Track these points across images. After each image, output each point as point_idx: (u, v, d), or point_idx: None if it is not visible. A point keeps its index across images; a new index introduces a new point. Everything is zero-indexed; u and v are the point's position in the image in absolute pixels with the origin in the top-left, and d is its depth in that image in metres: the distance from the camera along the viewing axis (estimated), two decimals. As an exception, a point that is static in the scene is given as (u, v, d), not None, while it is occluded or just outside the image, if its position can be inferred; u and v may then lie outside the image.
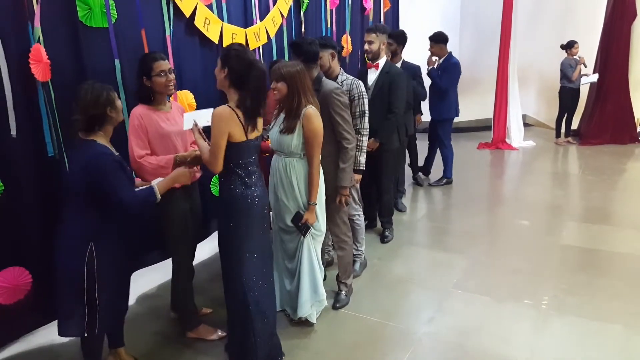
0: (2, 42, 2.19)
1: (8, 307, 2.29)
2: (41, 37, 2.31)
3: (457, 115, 5.62)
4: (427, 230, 4.57)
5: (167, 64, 2.57)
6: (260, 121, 2.42)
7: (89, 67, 2.56)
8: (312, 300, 2.87)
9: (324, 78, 2.96)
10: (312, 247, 2.81)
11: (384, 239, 4.17)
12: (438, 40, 5.35)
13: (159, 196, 2.19)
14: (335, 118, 2.85)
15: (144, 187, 2.23)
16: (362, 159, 3.23)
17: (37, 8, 2.28)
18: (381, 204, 4.14)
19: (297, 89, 2.59)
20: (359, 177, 3.23)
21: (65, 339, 2.48)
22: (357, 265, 3.54)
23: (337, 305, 3.13)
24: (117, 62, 2.71)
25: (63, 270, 2.13)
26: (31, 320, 2.51)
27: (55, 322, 2.22)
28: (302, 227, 2.70)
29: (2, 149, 2.24)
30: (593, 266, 3.66)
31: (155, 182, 2.24)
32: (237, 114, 2.26)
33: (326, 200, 2.94)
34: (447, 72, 5.35)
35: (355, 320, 3.01)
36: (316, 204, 2.70)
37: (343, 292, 3.18)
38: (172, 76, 2.58)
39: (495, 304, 3.14)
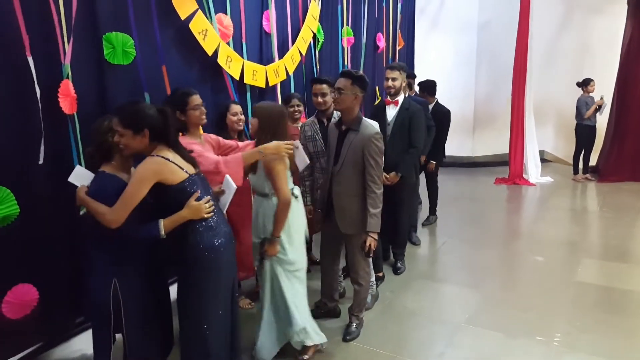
0: (37, 78, 2.36)
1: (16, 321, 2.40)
2: (70, 74, 2.49)
3: None
4: (441, 264, 4.56)
5: (200, 98, 2.70)
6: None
7: (110, 101, 2.73)
8: (289, 335, 2.79)
9: (363, 119, 2.96)
10: (278, 279, 2.73)
11: (396, 271, 4.19)
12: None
13: (163, 233, 2.08)
14: (370, 162, 2.86)
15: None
16: None
17: (68, 47, 2.46)
18: (396, 235, 4.17)
19: (266, 127, 2.66)
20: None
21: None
22: (369, 298, 3.55)
23: (348, 337, 3.13)
24: (146, 95, 2.88)
25: (92, 306, 2.19)
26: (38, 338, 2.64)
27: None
28: (262, 254, 2.73)
29: (27, 175, 2.40)
30: (608, 304, 3.60)
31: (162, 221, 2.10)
32: (171, 160, 2.09)
33: (348, 235, 2.99)
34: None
35: (366, 353, 3.00)
36: (279, 238, 2.67)
37: (354, 325, 3.18)
38: (204, 109, 2.72)
39: (506, 340, 3.10)
